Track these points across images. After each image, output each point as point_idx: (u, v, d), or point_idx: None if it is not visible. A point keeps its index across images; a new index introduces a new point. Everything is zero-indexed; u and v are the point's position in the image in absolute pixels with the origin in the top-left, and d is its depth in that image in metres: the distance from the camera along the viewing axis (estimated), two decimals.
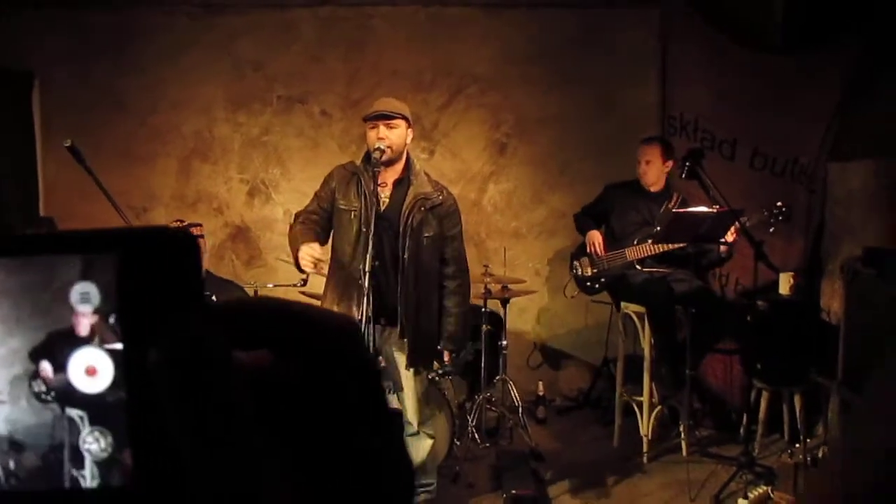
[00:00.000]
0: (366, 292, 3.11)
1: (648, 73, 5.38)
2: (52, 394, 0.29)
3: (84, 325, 0.28)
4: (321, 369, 0.28)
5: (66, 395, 0.29)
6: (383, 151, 3.24)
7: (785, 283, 4.36)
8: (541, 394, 5.02)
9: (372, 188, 3.25)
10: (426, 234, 3.35)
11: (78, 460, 0.29)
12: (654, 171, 4.42)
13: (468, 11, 5.45)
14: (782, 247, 4.66)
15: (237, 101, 5.51)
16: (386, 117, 3.28)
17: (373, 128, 3.29)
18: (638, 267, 4.39)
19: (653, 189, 4.46)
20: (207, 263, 4.01)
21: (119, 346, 0.28)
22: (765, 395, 4.33)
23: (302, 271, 3.28)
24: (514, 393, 4.63)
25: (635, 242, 4.40)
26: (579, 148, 5.47)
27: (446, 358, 3.59)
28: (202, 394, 0.25)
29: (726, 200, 3.89)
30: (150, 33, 5.39)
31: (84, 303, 0.27)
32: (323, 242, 3.32)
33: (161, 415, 0.26)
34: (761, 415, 4.36)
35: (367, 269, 3.10)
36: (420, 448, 3.43)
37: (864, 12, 4.36)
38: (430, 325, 3.42)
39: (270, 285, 4.73)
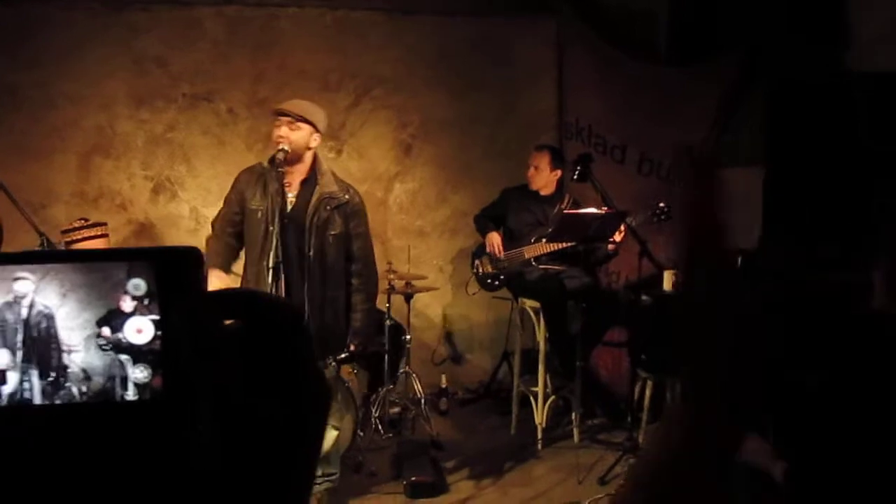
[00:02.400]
0: (269, 288, 3.30)
1: (545, 80, 5.77)
2: (109, 346, 0.51)
3: (127, 305, 0.51)
4: (269, 332, 0.50)
5: (118, 346, 0.51)
6: (285, 152, 3.44)
7: (668, 280, 4.79)
8: (443, 386, 5.31)
9: (276, 187, 3.46)
10: (332, 233, 3.55)
11: (124, 385, 0.51)
12: (541, 177, 4.81)
13: (373, 16, 5.68)
14: (665, 246, 5.11)
15: (140, 97, 5.55)
16: (290, 116, 3.48)
17: (277, 125, 3.48)
18: (534, 264, 4.75)
19: (543, 192, 4.84)
20: None
21: (156, 316, 0.51)
22: (649, 384, 4.74)
23: None
24: (418, 386, 4.90)
25: (532, 241, 4.76)
26: (480, 150, 5.82)
27: (352, 348, 3.81)
28: (203, 342, 0.48)
29: (614, 202, 4.30)
30: (47, 28, 5.35)
31: (137, 290, 0.50)
32: (237, 252, 3.59)
33: (179, 355, 0.49)
34: (646, 403, 4.77)
35: (269, 265, 3.29)
36: (325, 439, 3.64)
37: (740, 31, 4.85)
38: (337, 321, 3.59)
39: None
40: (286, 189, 3.50)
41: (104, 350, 0.49)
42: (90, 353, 0.49)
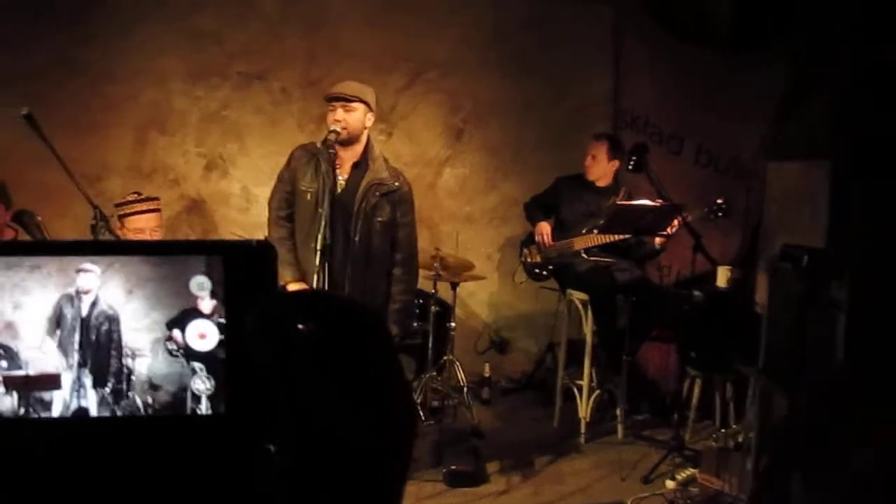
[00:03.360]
0: (316, 270, 3.31)
1: (600, 66, 5.66)
2: (181, 352, 0.50)
3: (202, 305, 0.49)
4: (347, 337, 0.49)
5: (190, 352, 0.50)
6: (338, 134, 3.44)
7: (722, 276, 4.68)
8: (486, 375, 5.29)
9: (328, 169, 3.47)
10: (378, 219, 3.57)
11: (196, 397, 0.50)
12: (598, 167, 4.72)
13: None
14: (721, 241, 4.99)
15: (196, 74, 5.61)
16: (344, 100, 3.49)
17: (332, 109, 3.49)
18: (584, 256, 4.69)
19: (599, 183, 4.76)
20: (162, 236, 4.15)
21: (222, 319, 0.50)
22: (697, 382, 4.65)
23: None
24: (461, 374, 4.89)
25: (583, 232, 4.69)
26: (533, 136, 5.74)
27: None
28: (277, 347, 0.47)
29: (669, 195, 4.21)
30: (108, 3, 5.44)
31: (201, 289, 0.49)
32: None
33: (249, 363, 0.48)
34: (694, 401, 4.69)
35: (318, 246, 3.30)
36: None
37: (807, 14, 4.67)
38: (377, 308, 3.58)
39: None
40: (337, 171, 3.52)
41: (174, 356, 0.48)
42: (158, 360, 0.48)
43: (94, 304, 0.48)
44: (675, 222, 4.36)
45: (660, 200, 4.27)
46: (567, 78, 5.68)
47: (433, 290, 4.80)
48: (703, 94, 5.06)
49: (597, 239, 4.63)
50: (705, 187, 4.96)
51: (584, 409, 4.60)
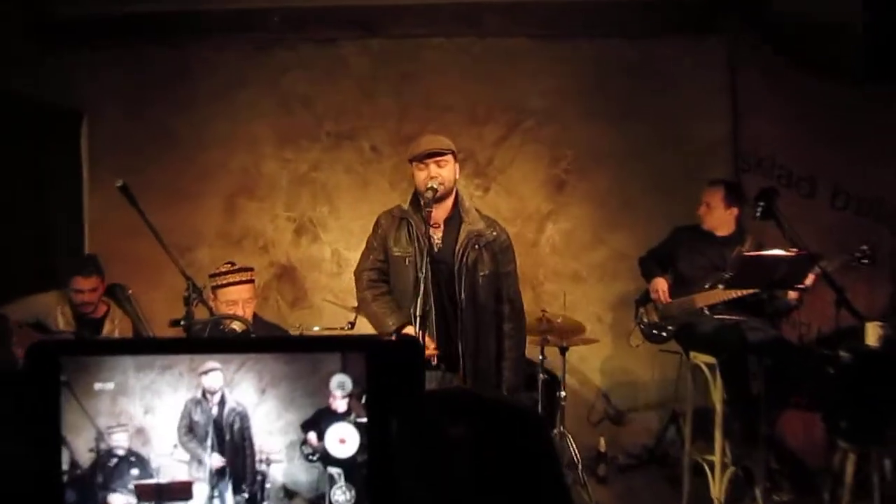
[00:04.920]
0: (418, 337, 3.25)
1: (715, 106, 5.44)
2: (317, 456, 0.43)
3: (340, 405, 0.42)
4: (505, 441, 0.41)
5: (327, 457, 0.43)
6: (436, 190, 3.39)
7: (872, 333, 4.34)
8: (602, 450, 5.04)
9: (424, 230, 3.43)
10: (481, 273, 3.45)
11: None
12: (714, 216, 4.48)
13: (524, 42, 5.59)
14: (867, 292, 4.66)
15: (285, 137, 5.75)
16: (436, 155, 3.46)
17: (422, 168, 3.46)
18: (707, 313, 4.46)
19: (719, 233, 4.51)
20: (256, 307, 4.19)
21: (364, 420, 0.42)
22: (851, 456, 4.30)
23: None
24: (574, 448, 4.67)
25: (706, 287, 4.47)
26: (642, 185, 5.52)
27: None
28: (427, 454, 0.39)
29: (804, 243, 3.96)
30: (202, 71, 5.65)
31: (340, 388, 0.41)
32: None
33: (394, 471, 0.40)
34: (847, 479, 4.30)
35: (418, 313, 3.24)
36: None
37: None
38: (489, 367, 3.48)
39: (316, 328, 4.96)
40: (432, 230, 3.48)
41: (311, 461, 0.42)
42: (294, 465, 0.42)
43: (222, 405, 0.42)
44: (813, 273, 4.10)
45: (793, 249, 4.02)
46: (677, 120, 5.49)
47: (541, 357, 4.65)
48: (835, 132, 4.81)
49: (722, 295, 4.38)
50: (844, 233, 4.68)
51: (717, 489, 4.29)
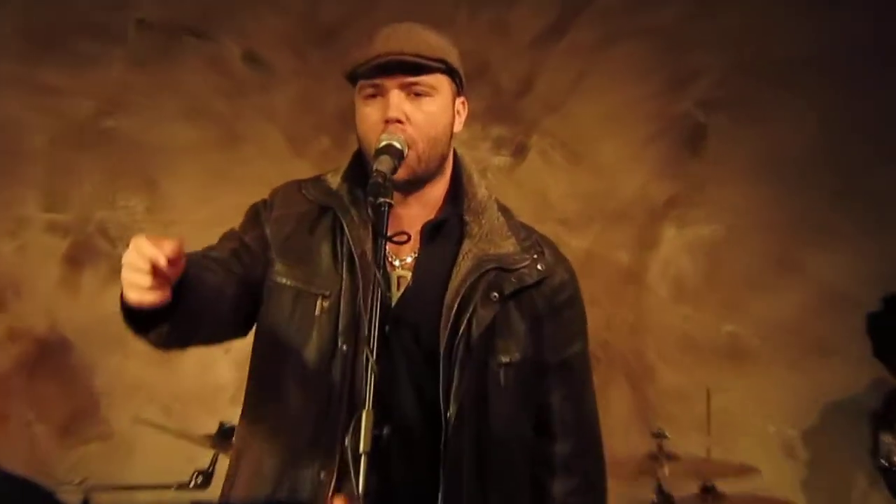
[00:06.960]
0: (359, 499, 1.25)
1: None
2: None
3: None
4: None
5: None
6: (402, 152, 1.46)
7: None
8: None
9: (373, 245, 1.44)
10: (503, 359, 1.54)
11: None
12: None
13: None
14: None
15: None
16: (409, 69, 1.50)
17: (372, 98, 1.52)
18: None
19: None
20: None
21: None
22: None
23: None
24: None
25: None
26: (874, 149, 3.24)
27: None
28: None
29: None
30: None
31: None
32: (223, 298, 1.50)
33: None
34: None
35: (362, 448, 1.24)
36: None
37: None
38: None
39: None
40: (391, 251, 1.51)
41: None
42: None
43: None
44: None
45: None
46: None
47: None
48: None
49: None
50: None
51: None
